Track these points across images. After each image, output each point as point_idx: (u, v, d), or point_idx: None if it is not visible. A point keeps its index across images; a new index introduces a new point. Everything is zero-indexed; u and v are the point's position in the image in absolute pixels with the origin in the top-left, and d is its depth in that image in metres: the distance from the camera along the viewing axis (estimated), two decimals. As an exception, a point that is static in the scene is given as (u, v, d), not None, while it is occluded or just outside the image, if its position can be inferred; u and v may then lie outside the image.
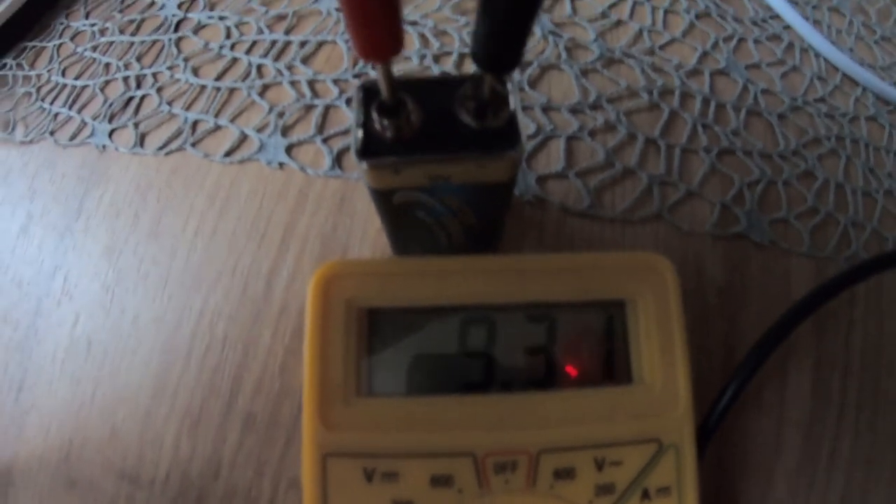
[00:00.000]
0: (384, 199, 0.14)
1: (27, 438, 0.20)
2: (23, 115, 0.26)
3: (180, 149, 0.21)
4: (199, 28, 0.24)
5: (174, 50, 0.24)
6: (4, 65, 0.28)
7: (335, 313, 0.14)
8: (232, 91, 0.22)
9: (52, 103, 0.25)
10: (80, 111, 0.24)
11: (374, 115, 0.12)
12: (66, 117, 0.24)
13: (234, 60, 0.23)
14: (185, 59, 0.23)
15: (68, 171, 0.23)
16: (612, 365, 0.15)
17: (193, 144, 0.21)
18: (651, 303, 0.15)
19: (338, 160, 0.20)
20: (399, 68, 0.22)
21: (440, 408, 0.14)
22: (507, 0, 0.09)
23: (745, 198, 0.20)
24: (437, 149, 0.12)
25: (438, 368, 0.15)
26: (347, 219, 0.19)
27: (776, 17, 0.26)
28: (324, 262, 0.15)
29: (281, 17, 0.23)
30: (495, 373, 0.15)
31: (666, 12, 0.24)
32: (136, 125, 0.22)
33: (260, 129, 0.21)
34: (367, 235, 0.18)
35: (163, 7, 0.26)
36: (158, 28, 0.25)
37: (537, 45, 0.22)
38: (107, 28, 0.26)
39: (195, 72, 0.23)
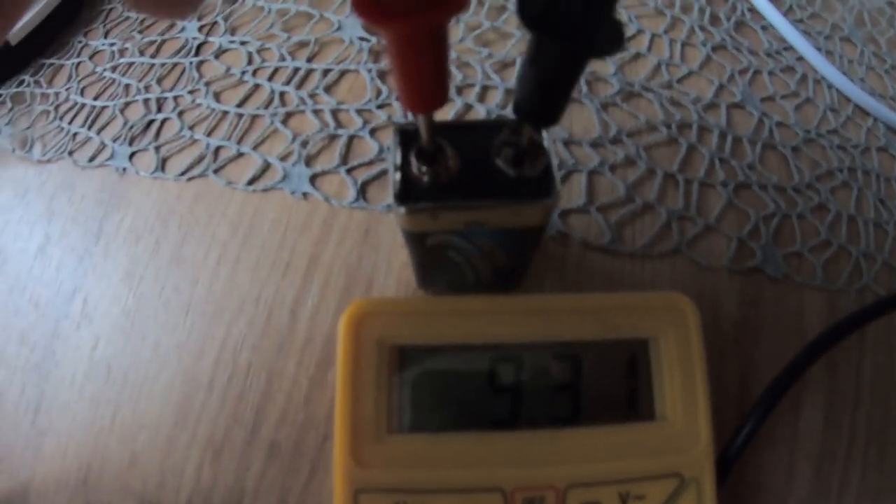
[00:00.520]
0: (418, 241, 0.14)
1: (44, 460, 0.20)
2: (41, 134, 0.26)
3: (202, 175, 0.21)
4: (220, 52, 0.24)
5: (195, 74, 0.24)
6: (22, 81, 0.28)
7: (366, 351, 0.15)
8: (254, 118, 0.22)
9: (70, 122, 0.25)
10: (99, 132, 0.24)
11: (413, 160, 0.12)
12: (86, 138, 0.24)
13: (257, 87, 0.23)
14: (207, 84, 0.24)
15: (87, 192, 0.23)
16: (635, 402, 0.16)
17: (216, 171, 0.21)
18: (673, 341, 0.16)
19: (362, 191, 0.20)
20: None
21: (470, 444, 0.15)
22: (554, 58, 0.09)
23: (761, 232, 0.21)
24: (474, 195, 0.12)
25: (468, 405, 0.15)
26: (372, 251, 0.19)
27: (790, 48, 0.26)
28: (349, 294, 0.15)
29: (303, 44, 0.24)
30: (523, 410, 0.15)
31: (683, 45, 0.24)
32: (158, 149, 0.23)
33: (283, 158, 0.21)
34: (392, 268, 0.19)
35: (183, 30, 0.26)
36: (179, 51, 0.25)
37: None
38: (126, 48, 0.26)
39: (217, 97, 0.23)
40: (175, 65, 0.25)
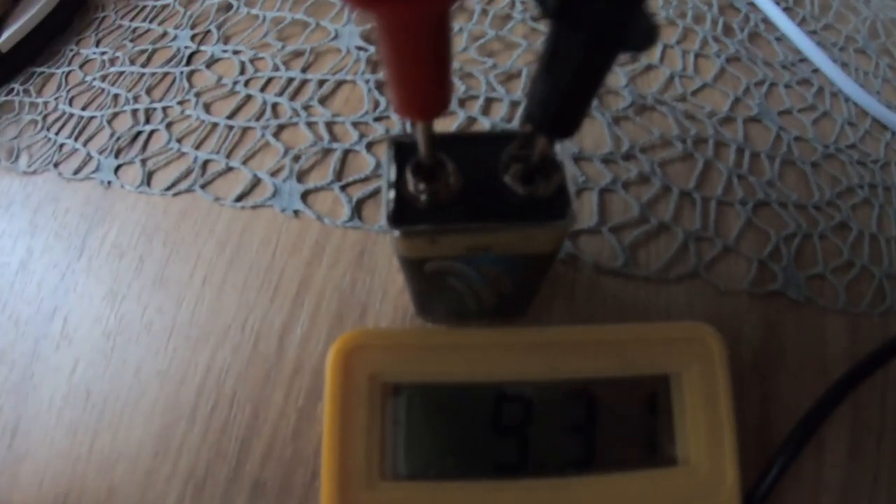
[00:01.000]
0: (414, 267, 0.13)
1: (21, 487, 0.19)
2: (28, 144, 0.25)
3: (189, 190, 0.20)
4: (212, 62, 0.23)
5: (185, 84, 0.23)
6: (11, 90, 0.27)
7: (357, 388, 0.13)
8: (245, 130, 0.21)
9: (57, 133, 0.24)
10: (85, 143, 0.23)
11: (409, 176, 0.11)
12: (72, 149, 0.23)
13: (248, 98, 0.22)
14: (197, 94, 0.22)
15: (72, 206, 0.22)
16: (655, 445, 0.14)
17: (203, 186, 0.20)
18: (697, 377, 0.14)
19: (357, 210, 0.19)
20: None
21: (471, 493, 0.13)
22: (578, 54, 0.08)
23: (782, 253, 0.20)
24: (478, 217, 0.11)
25: (469, 450, 0.14)
26: (367, 274, 0.18)
27: (805, 60, 0.25)
28: (341, 321, 0.13)
29: (298, 54, 0.23)
30: (530, 455, 0.14)
31: (696, 56, 0.23)
32: (144, 162, 0.22)
33: (274, 173, 0.20)
34: (388, 293, 0.17)
35: (175, 38, 0.25)
36: (170, 60, 0.24)
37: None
38: (117, 57, 0.25)
39: (207, 108, 0.22)
40: (165, 74, 0.24)
